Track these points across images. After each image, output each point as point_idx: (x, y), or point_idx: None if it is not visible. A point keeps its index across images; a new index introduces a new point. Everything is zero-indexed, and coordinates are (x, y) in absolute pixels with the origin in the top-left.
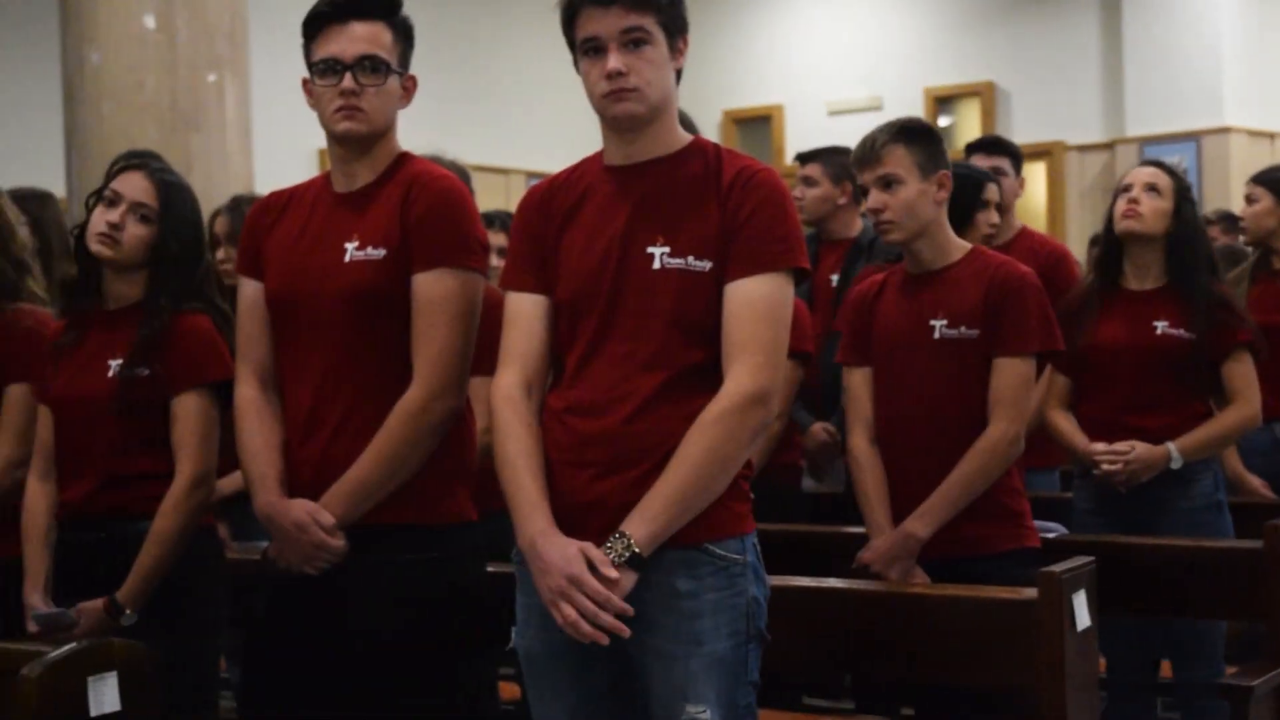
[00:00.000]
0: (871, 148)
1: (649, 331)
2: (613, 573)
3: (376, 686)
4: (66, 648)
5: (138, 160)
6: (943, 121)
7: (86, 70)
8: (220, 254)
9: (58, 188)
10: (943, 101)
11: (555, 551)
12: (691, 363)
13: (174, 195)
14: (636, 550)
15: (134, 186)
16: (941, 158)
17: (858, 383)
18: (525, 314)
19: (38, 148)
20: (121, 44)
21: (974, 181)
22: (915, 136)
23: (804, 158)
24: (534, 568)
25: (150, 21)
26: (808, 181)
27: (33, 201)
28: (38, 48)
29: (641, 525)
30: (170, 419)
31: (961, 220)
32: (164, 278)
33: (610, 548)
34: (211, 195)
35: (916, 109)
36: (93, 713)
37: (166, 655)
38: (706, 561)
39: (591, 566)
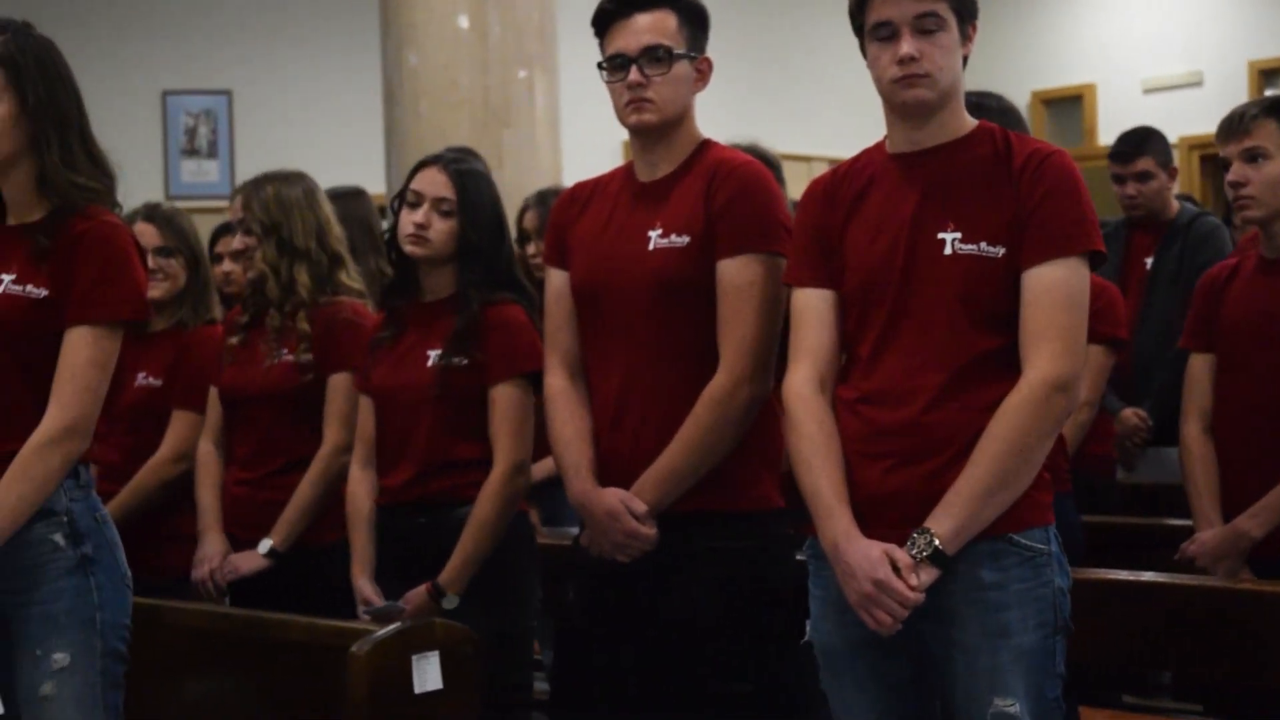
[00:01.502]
0: (1240, 120)
1: (942, 319)
2: (916, 579)
3: (688, 674)
4: (392, 627)
5: (433, 157)
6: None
7: (405, 71)
8: (530, 248)
9: (378, 185)
10: (1269, 75)
11: (859, 554)
12: (986, 350)
13: (470, 185)
14: (939, 547)
15: (432, 183)
16: None
17: (1199, 369)
18: (814, 309)
19: (359, 147)
20: (437, 44)
21: None
22: None
23: (1128, 154)
24: (838, 571)
25: (464, 21)
26: (1142, 177)
27: (339, 198)
28: (359, 51)
29: (945, 521)
30: (487, 408)
31: None
32: (472, 267)
33: (913, 543)
34: (522, 189)
35: (1239, 84)
36: (416, 690)
37: (483, 637)
38: (1012, 552)
39: (896, 568)
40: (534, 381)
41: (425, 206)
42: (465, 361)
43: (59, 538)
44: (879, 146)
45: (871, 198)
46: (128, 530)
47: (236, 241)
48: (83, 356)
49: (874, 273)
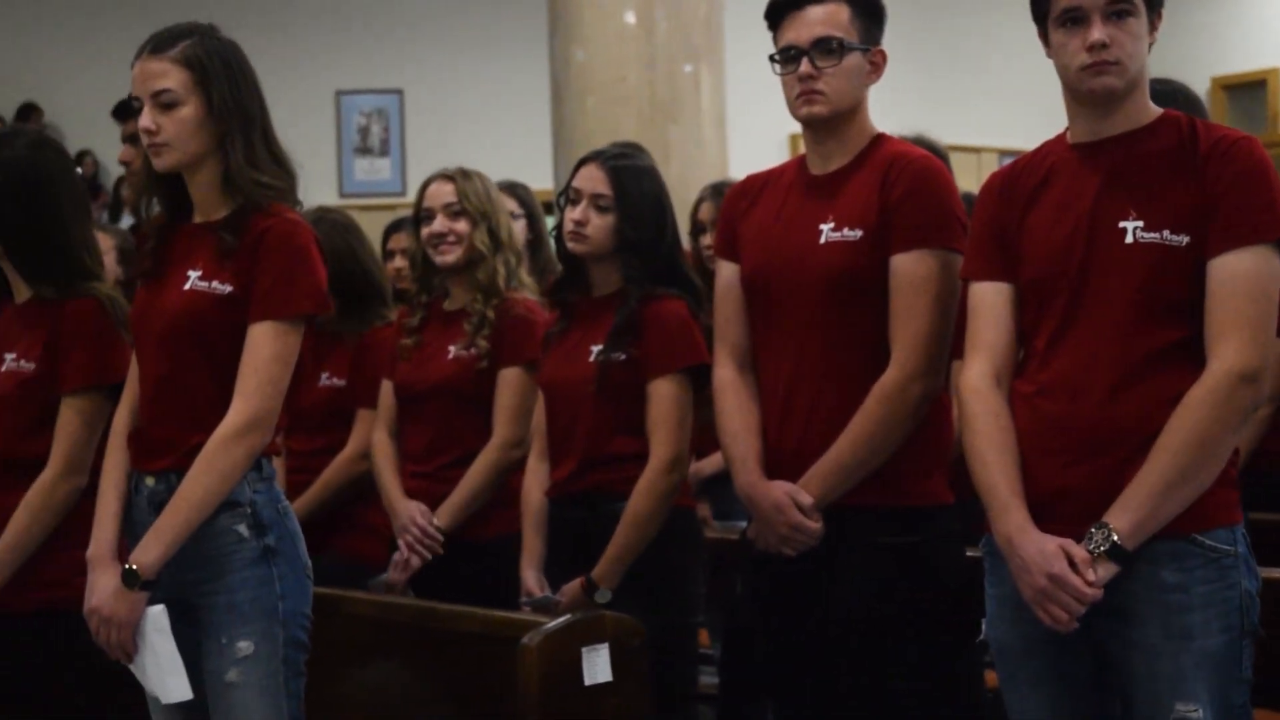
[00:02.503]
0: None
1: (1122, 310)
2: (1093, 574)
3: (855, 669)
4: (562, 619)
5: (593, 153)
6: None
7: (572, 67)
8: (706, 240)
9: (545, 181)
10: None
11: (1034, 549)
12: (1168, 342)
13: (627, 181)
14: (1117, 541)
15: (589, 179)
16: None
17: None
18: (990, 302)
19: (527, 144)
20: (604, 41)
21: None
22: None
23: None
24: (1012, 565)
25: (630, 17)
26: None
27: (522, 190)
28: (527, 49)
29: (1124, 516)
30: (646, 403)
31: None
32: (631, 262)
33: (1090, 538)
34: (688, 184)
35: None
36: (586, 681)
37: (648, 631)
38: (1195, 553)
39: (1072, 563)
40: (693, 377)
41: (584, 203)
42: (623, 356)
43: (243, 528)
44: (1060, 139)
45: (1051, 189)
46: (316, 523)
47: (438, 224)
48: (265, 351)
49: (1052, 263)
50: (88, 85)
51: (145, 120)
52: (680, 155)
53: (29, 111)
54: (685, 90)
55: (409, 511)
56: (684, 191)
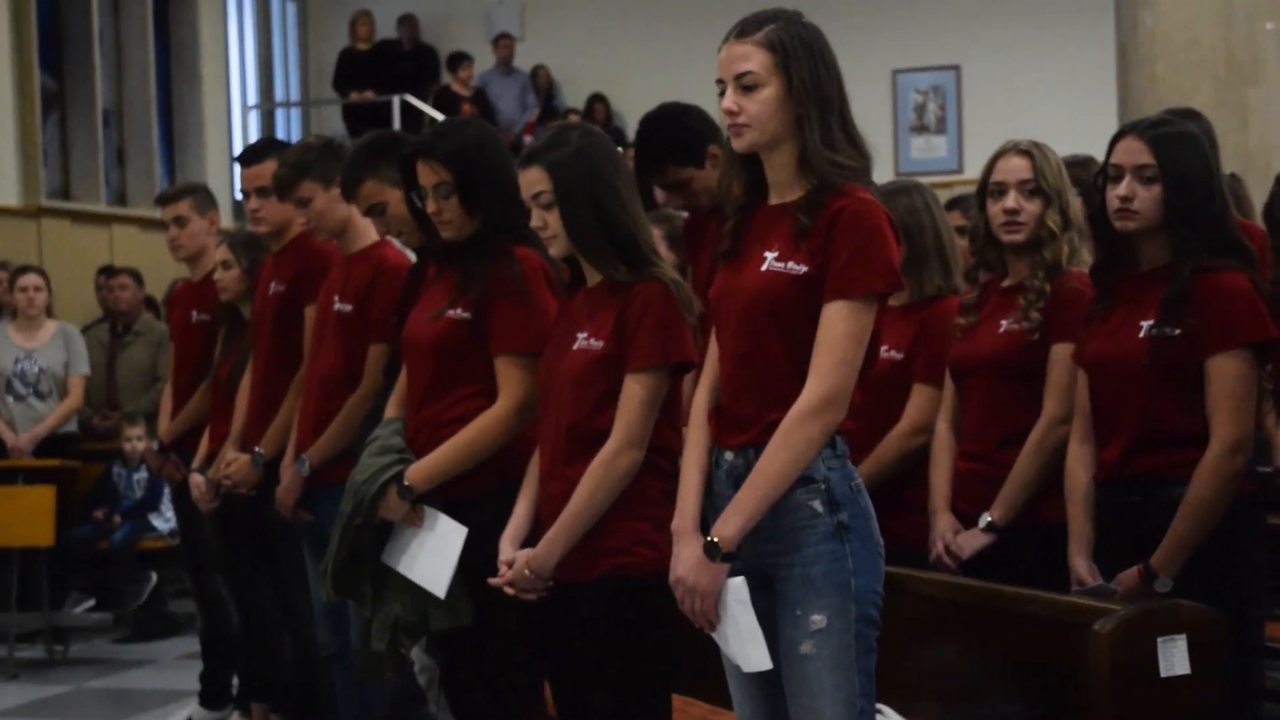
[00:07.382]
0: None
1: None
2: None
3: None
4: (1136, 606)
5: (1129, 125)
6: None
7: (1140, 33)
8: None
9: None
10: None
11: None
12: None
13: (1170, 148)
14: None
15: (1129, 152)
16: None
17: None
18: None
19: (1089, 116)
20: (1175, 3)
21: None
22: None
23: None
24: None
25: None
26: None
27: (1078, 168)
28: (1089, 18)
29: None
30: (1204, 381)
31: None
32: (1184, 233)
33: None
34: (1271, 149)
35: None
36: (1162, 673)
37: None
38: None
39: None
40: (1256, 352)
41: (1127, 177)
42: (1177, 331)
43: (817, 504)
44: None
45: None
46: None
47: (1011, 200)
48: (839, 330)
49: None
50: (648, 76)
51: (727, 102)
52: (1260, 120)
53: (595, 102)
54: (1266, 49)
55: (944, 526)
56: (1265, 158)
